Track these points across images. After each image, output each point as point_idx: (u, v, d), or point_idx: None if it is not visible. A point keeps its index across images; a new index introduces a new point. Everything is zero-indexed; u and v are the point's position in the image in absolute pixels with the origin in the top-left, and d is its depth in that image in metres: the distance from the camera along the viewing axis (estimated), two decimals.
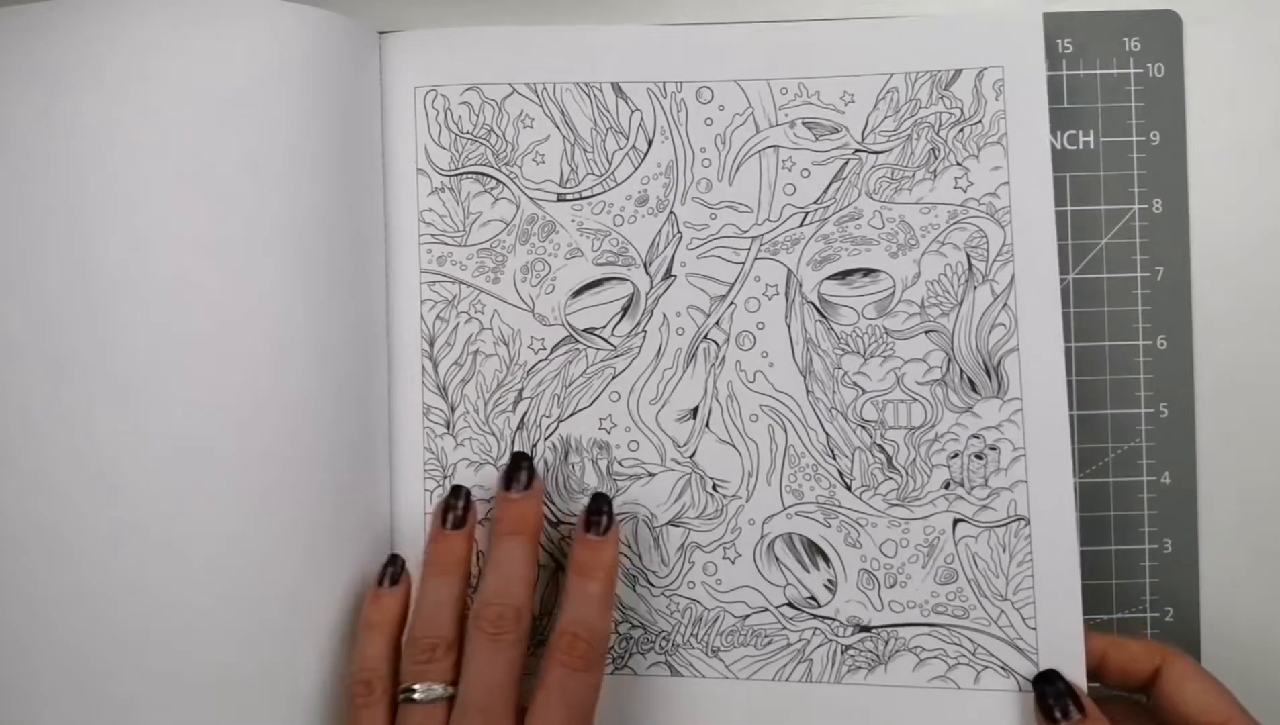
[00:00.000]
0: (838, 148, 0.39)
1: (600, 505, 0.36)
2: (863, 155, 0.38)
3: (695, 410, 0.39)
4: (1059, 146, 0.40)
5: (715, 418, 0.39)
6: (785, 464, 0.38)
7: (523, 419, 0.39)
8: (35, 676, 0.34)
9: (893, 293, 0.38)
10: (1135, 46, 0.40)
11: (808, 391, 0.38)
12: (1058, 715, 0.34)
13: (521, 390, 0.39)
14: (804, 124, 0.39)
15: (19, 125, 0.35)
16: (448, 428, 0.39)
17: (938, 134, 0.38)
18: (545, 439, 0.39)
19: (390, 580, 0.36)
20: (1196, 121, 0.40)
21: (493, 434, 0.39)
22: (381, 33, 0.39)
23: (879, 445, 0.38)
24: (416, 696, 0.33)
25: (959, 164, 0.38)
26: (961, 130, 0.38)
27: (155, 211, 0.34)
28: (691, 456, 0.39)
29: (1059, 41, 0.40)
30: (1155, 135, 0.40)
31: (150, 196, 0.34)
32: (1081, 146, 0.40)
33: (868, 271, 0.38)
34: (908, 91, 0.38)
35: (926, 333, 0.38)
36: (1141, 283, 0.40)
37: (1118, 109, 0.40)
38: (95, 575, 0.34)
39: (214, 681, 0.34)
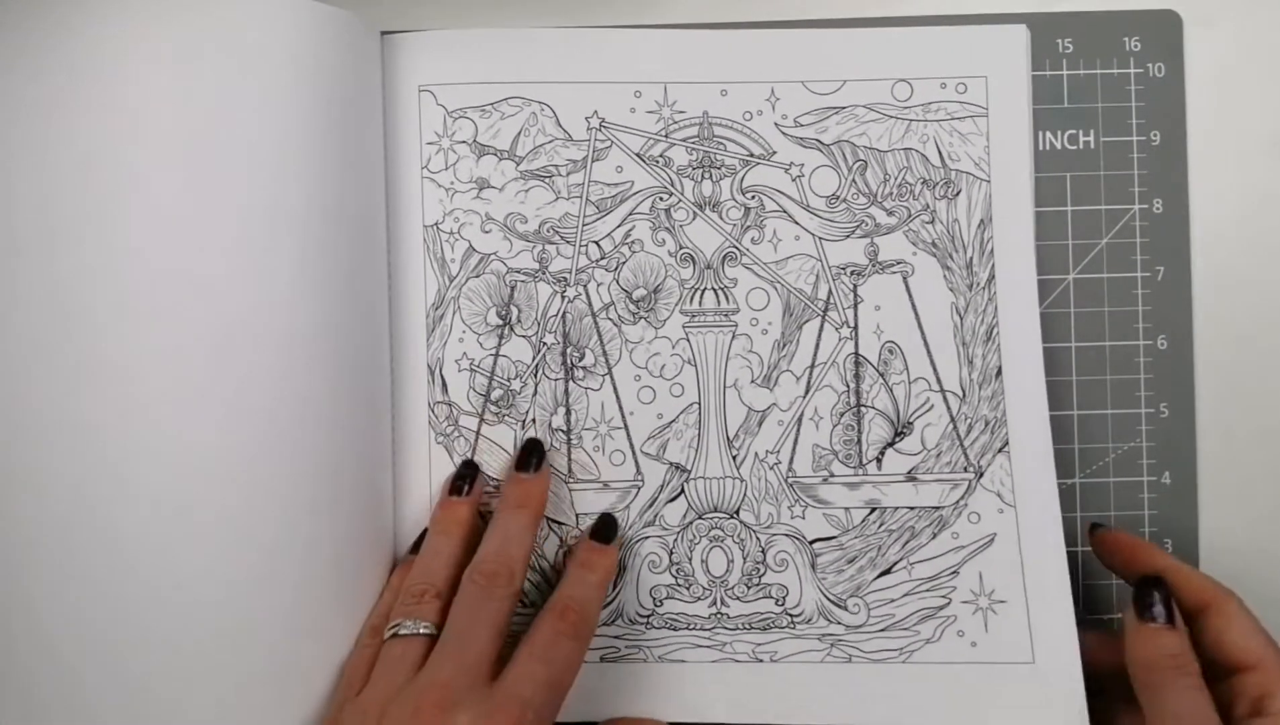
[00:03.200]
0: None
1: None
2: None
3: None
4: (1059, 146, 0.40)
5: None
6: None
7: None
8: (34, 679, 0.34)
9: None
10: (1135, 46, 0.40)
11: None
12: (1154, 617, 0.34)
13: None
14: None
15: (25, 121, 0.35)
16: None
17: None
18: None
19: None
20: (1196, 121, 0.40)
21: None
22: (384, 33, 0.39)
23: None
24: (401, 631, 0.34)
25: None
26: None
27: (152, 208, 0.34)
28: None
29: (1059, 41, 0.40)
30: (1155, 135, 0.40)
31: (148, 193, 0.34)
32: (1081, 146, 0.40)
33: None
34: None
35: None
36: (1141, 283, 0.40)
37: (1118, 109, 0.40)
38: (103, 570, 0.34)
39: (217, 671, 0.34)
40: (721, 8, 0.41)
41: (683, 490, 0.39)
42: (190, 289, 0.34)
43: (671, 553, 0.39)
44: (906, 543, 0.39)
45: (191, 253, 0.34)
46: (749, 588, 0.39)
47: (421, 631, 0.33)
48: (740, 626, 0.39)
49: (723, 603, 0.39)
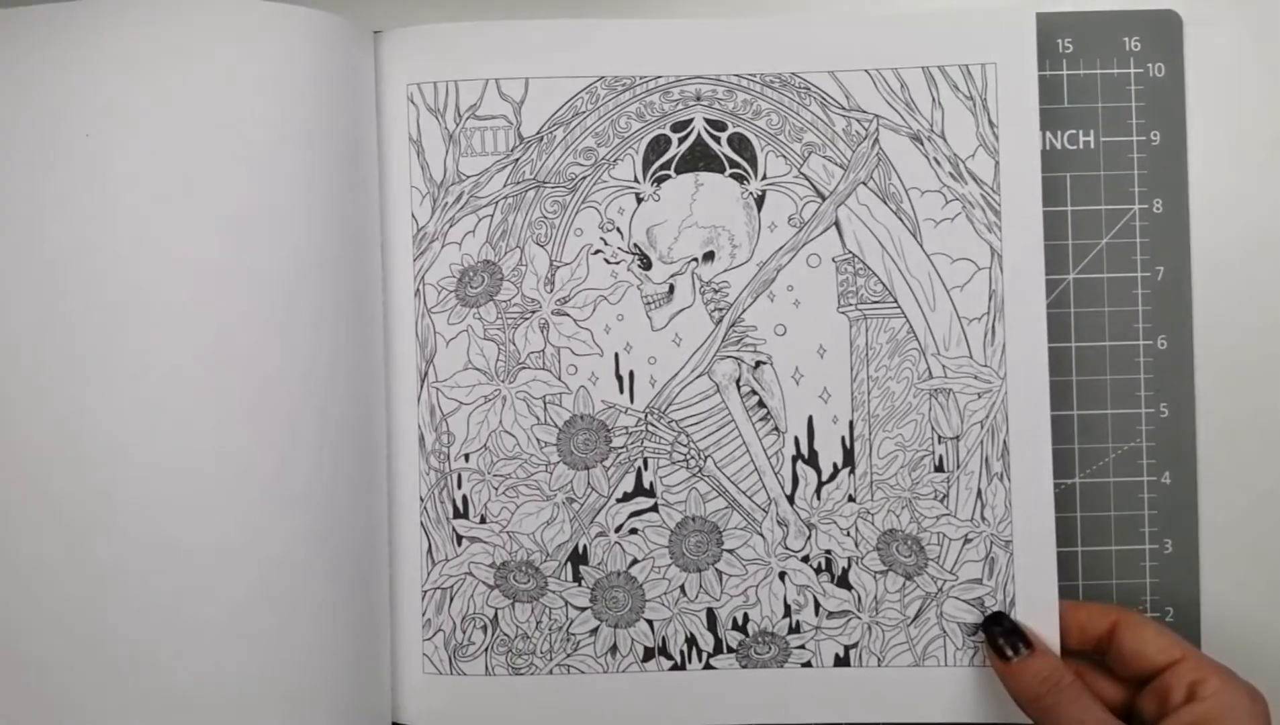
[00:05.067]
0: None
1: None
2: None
3: None
4: (1059, 146, 0.40)
5: None
6: None
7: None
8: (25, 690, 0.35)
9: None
10: (1135, 46, 0.40)
11: None
12: (1009, 654, 0.36)
13: None
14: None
15: (22, 129, 0.35)
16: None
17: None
18: None
19: None
20: (1196, 121, 0.40)
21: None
22: (375, 32, 0.39)
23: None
24: None
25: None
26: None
27: (144, 217, 0.34)
28: None
29: (1059, 41, 0.40)
30: (1155, 135, 0.40)
31: (140, 202, 0.34)
32: (1081, 146, 0.40)
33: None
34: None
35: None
36: (1141, 283, 0.40)
37: (1118, 109, 0.40)
38: (97, 575, 0.34)
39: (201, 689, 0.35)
40: (719, 3, 0.40)
41: None
42: (177, 295, 0.34)
43: None
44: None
45: (178, 259, 0.35)
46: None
47: None
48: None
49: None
